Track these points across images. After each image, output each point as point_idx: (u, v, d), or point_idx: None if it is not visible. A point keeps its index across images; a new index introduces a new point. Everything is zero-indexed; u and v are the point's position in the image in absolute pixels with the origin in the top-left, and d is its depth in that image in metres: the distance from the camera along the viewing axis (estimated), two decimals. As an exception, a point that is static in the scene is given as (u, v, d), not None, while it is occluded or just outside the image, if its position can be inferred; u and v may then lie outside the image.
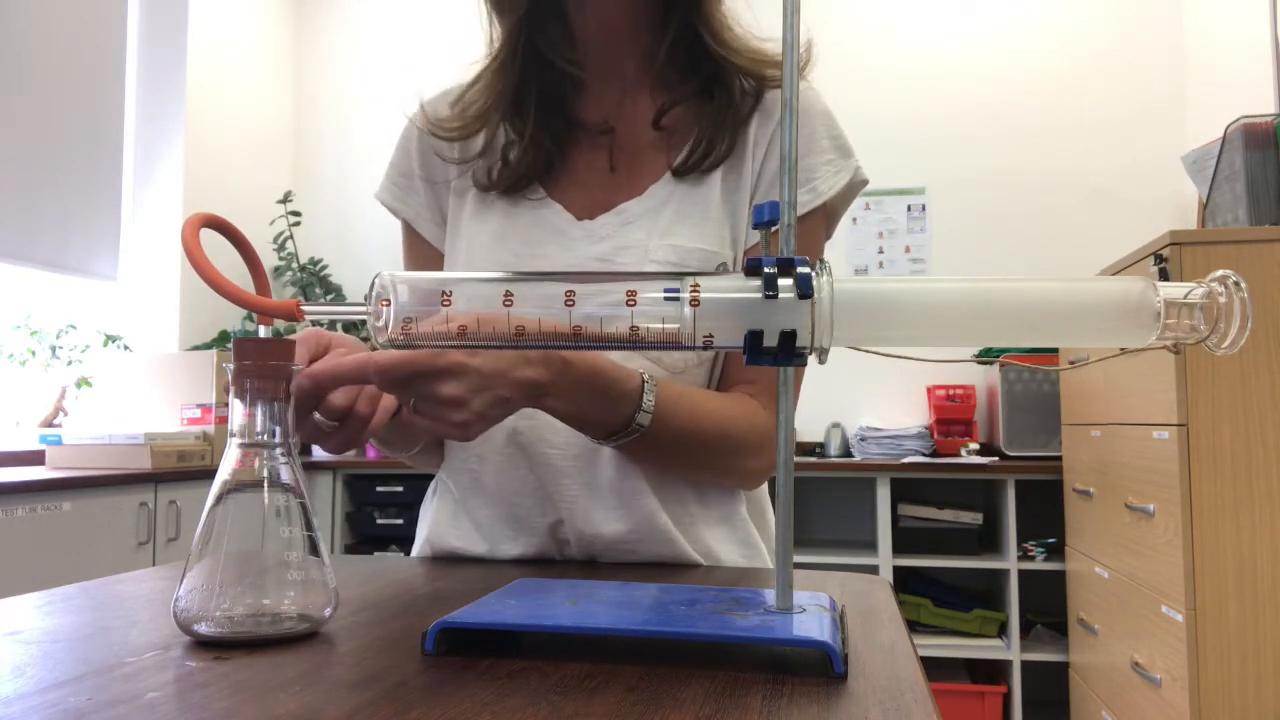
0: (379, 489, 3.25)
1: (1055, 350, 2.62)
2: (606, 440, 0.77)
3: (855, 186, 0.88)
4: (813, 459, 3.08)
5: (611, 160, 0.90)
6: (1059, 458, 2.70)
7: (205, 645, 0.52)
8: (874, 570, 2.85)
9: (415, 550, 0.94)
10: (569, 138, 0.91)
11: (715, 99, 0.87)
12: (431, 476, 0.96)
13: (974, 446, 2.95)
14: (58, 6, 2.90)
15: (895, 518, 2.93)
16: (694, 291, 0.46)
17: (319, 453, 3.31)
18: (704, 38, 0.86)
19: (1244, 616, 1.73)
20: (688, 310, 0.46)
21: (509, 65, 0.88)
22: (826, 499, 3.28)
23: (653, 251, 0.84)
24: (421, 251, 0.95)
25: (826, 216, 0.89)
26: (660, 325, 0.46)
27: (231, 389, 0.54)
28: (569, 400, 0.72)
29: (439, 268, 0.93)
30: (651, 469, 0.83)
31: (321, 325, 0.73)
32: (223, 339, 3.29)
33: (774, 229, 0.49)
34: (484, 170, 0.90)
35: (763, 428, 0.83)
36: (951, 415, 3.12)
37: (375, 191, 0.96)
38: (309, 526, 0.55)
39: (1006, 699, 2.77)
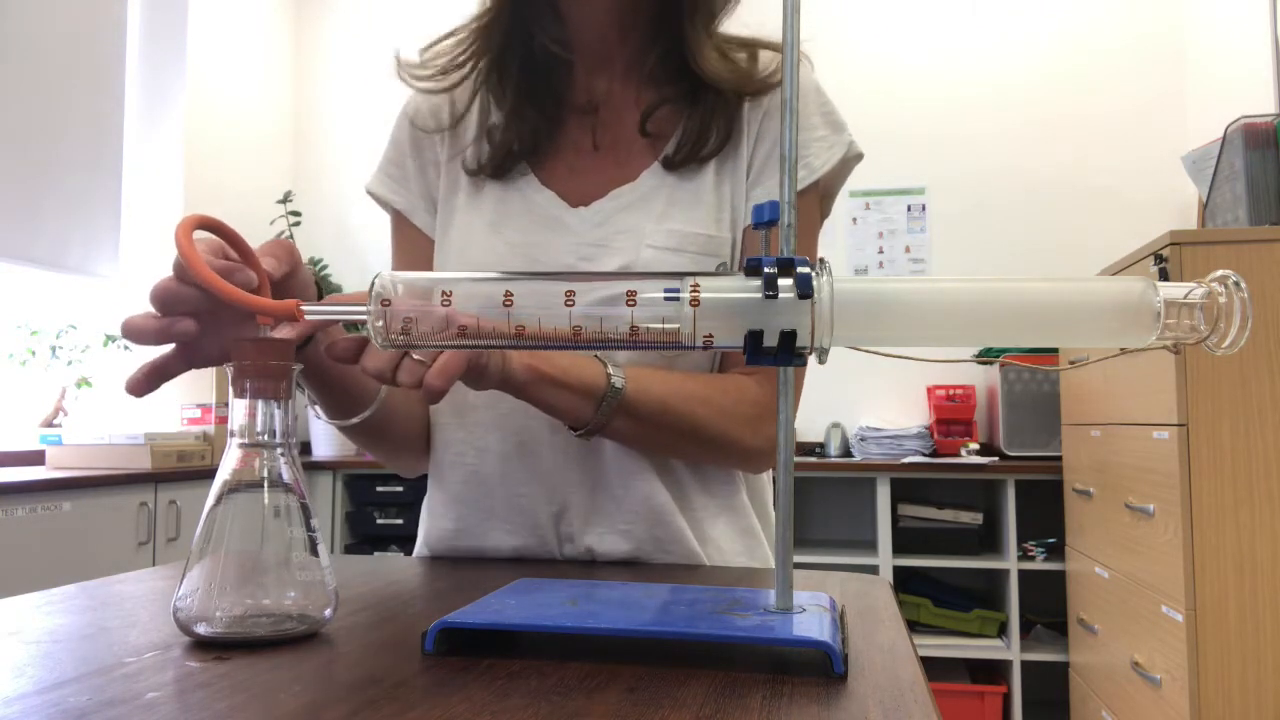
0: (379, 489, 3.25)
1: (1055, 350, 2.62)
2: (593, 416, 0.77)
3: (850, 162, 0.88)
4: (813, 459, 3.08)
5: (595, 139, 0.89)
6: (1059, 458, 2.70)
7: (205, 645, 0.52)
8: (874, 570, 2.85)
9: (415, 550, 0.94)
10: (555, 116, 0.90)
11: (702, 102, 0.87)
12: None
13: (974, 446, 2.95)
14: (58, 7, 2.90)
15: (895, 518, 2.93)
16: (694, 291, 0.46)
17: (319, 452, 3.31)
18: (687, 62, 0.85)
19: (1244, 616, 1.73)
20: (687, 310, 0.46)
21: (492, 29, 0.87)
22: (826, 499, 3.28)
23: (649, 236, 0.84)
24: (412, 238, 0.94)
25: (821, 194, 0.88)
26: (660, 325, 0.46)
27: (231, 388, 0.54)
28: (545, 361, 0.72)
29: (430, 253, 0.93)
30: (646, 450, 0.84)
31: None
32: (223, 339, 3.28)
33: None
34: (472, 154, 0.90)
35: (753, 397, 0.83)
36: (951, 415, 3.12)
37: (367, 183, 0.95)
38: (309, 526, 0.55)
39: (1006, 699, 2.76)
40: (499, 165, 0.89)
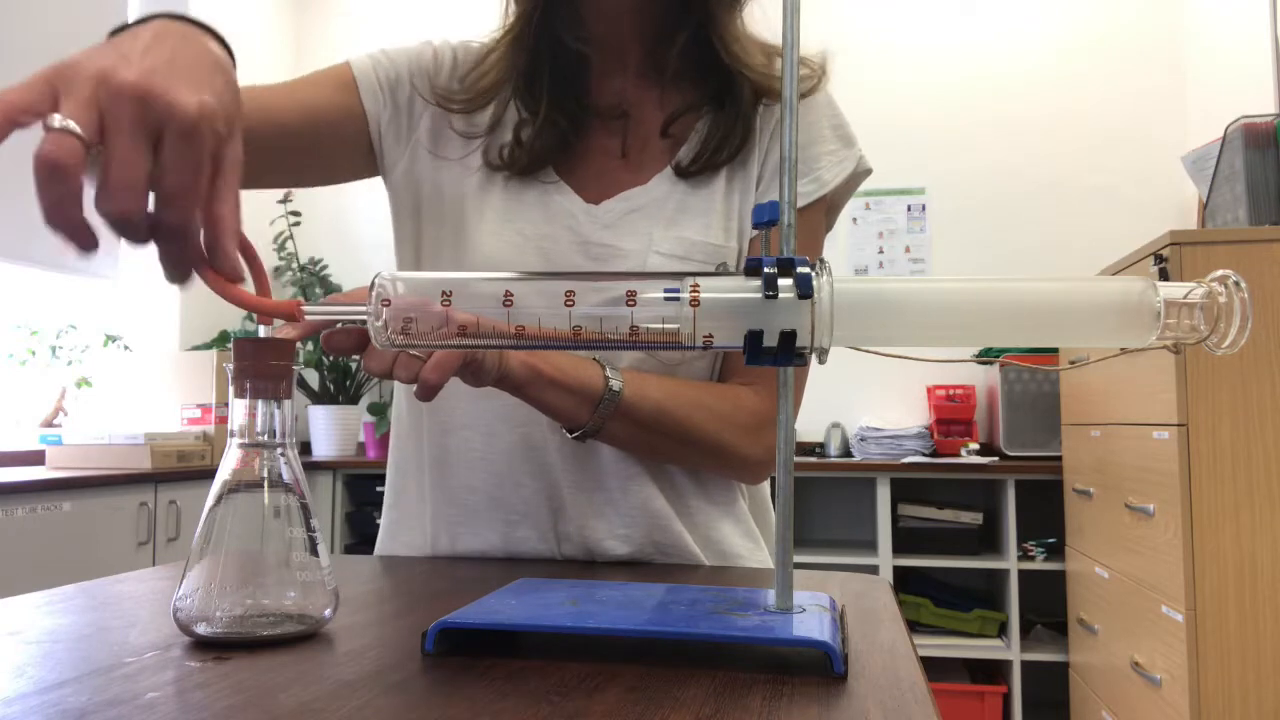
0: (379, 489, 3.23)
1: (1055, 350, 2.62)
2: (590, 418, 0.77)
3: (858, 176, 0.88)
4: (813, 459, 3.08)
5: (624, 146, 0.89)
6: (1059, 458, 2.70)
7: (205, 645, 0.52)
8: (874, 570, 2.85)
9: (406, 542, 0.92)
10: (581, 121, 0.90)
11: (725, 107, 0.87)
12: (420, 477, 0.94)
13: (974, 446, 2.95)
14: (57, 6, 2.90)
15: (895, 518, 2.93)
16: (694, 291, 0.46)
17: (319, 452, 3.31)
18: (716, 48, 0.85)
19: (1244, 616, 1.73)
20: (687, 310, 0.46)
21: (523, 41, 0.86)
22: (826, 499, 3.28)
23: (658, 243, 0.84)
24: (340, 89, 0.88)
25: (828, 208, 0.89)
26: (660, 325, 0.46)
27: (231, 388, 0.54)
28: (544, 360, 0.72)
29: (332, 123, 0.87)
30: (643, 455, 0.83)
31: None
32: (223, 339, 3.29)
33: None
34: (495, 149, 0.89)
35: (751, 407, 0.83)
36: (951, 415, 3.12)
37: (351, 56, 0.90)
38: (309, 526, 0.55)
39: (1006, 699, 2.76)
40: (525, 167, 0.88)
